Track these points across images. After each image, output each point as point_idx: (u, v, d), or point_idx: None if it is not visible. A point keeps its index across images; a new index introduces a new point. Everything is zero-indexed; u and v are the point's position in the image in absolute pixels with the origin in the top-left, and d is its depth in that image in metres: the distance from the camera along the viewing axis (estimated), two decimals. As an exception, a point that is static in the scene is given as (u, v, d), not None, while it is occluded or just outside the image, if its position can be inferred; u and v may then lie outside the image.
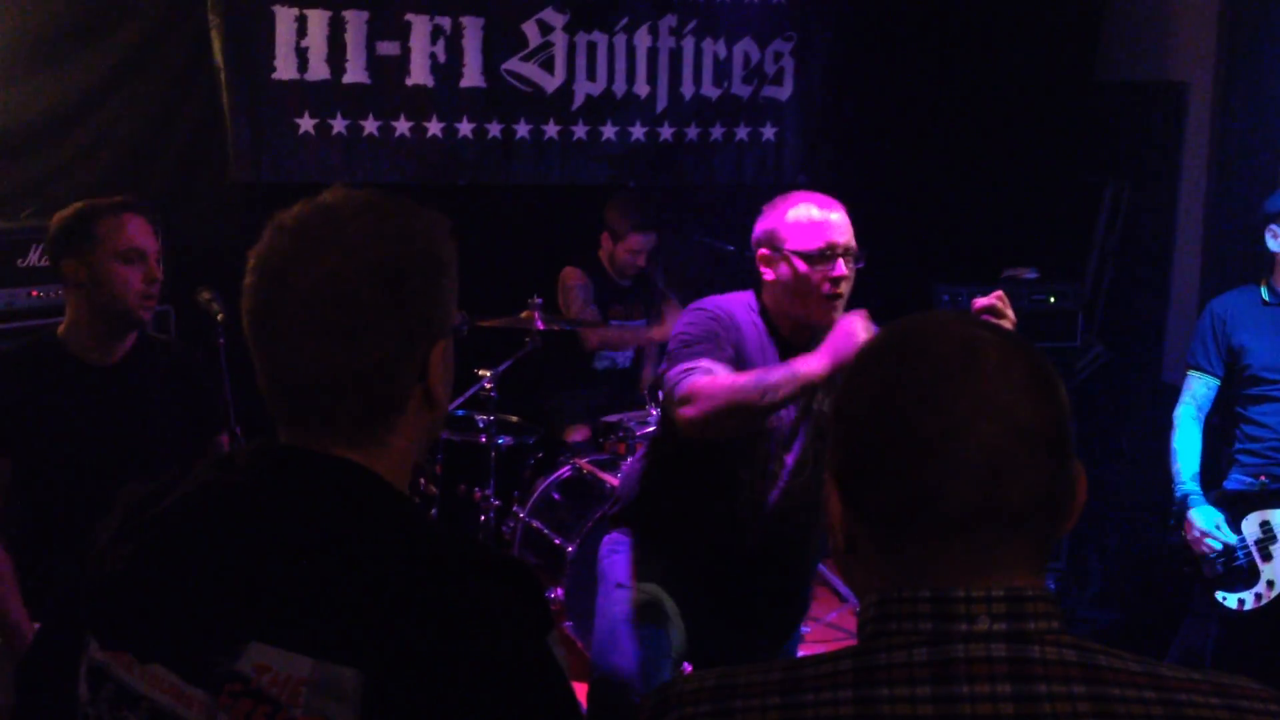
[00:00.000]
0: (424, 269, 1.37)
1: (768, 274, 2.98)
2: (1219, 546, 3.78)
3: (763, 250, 2.97)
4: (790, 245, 2.91)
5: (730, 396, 2.73)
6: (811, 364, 2.73)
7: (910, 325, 1.21)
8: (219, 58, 5.07)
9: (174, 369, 3.19)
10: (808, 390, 2.77)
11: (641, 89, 5.87)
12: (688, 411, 2.78)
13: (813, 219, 2.91)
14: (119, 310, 3.03)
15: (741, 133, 6.11)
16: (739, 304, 3.02)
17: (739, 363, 2.90)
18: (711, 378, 2.79)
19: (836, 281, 2.88)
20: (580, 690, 4.34)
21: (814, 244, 2.89)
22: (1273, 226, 3.86)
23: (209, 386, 3.26)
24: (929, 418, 1.12)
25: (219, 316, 2.97)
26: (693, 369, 2.82)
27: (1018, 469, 1.11)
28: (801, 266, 2.90)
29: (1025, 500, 1.12)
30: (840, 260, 2.89)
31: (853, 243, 2.92)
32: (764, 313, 3.02)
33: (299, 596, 1.24)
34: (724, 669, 1.22)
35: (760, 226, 3.01)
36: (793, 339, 2.98)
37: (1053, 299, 5.52)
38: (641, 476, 3.24)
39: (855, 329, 2.73)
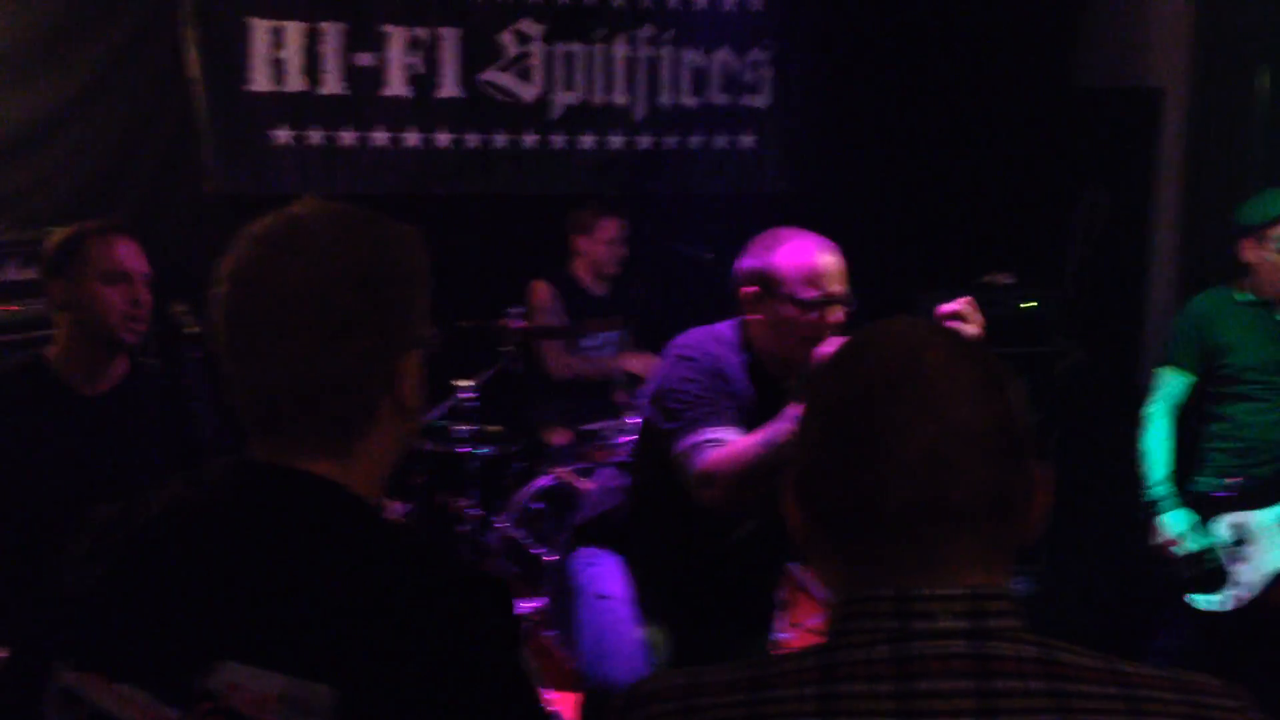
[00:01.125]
0: (396, 278, 1.37)
1: (755, 313, 2.88)
2: (1189, 551, 3.80)
3: (752, 289, 2.87)
4: (785, 290, 2.81)
5: (746, 467, 2.64)
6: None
7: (864, 332, 1.25)
8: (194, 70, 5.07)
9: (165, 400, 3.16)
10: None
11: (620, 98, 5.88)
12: (710, 494, 2.71)
13: (811, 266, 2.80)
14: (103, 332, 3.01)
15: (720, 142, 6.12)
16: (724, 345, 2.93)
17: (738, 411, 2.82)
18: (724, 451, 2.70)
19: (830, 328, 2.78)
20: (568, 700, 4.34)
21: (811, 293, 2.79)
22: (1244, 240, 3.88)
23: (200, 416, 3.23)
24: (871, 420, 1.14)
25: (192, 331, 2.95)
26: (701, 443, 2.73)
27: (959, 469, 1.12)
28: (796, 313, 2.81)
29: (968, 500, 1.13)
30: (834, 308, 2.81)
31: (846, 288, 2.84)
32: (747, 347, 2.93)
33: (270, 614, 1.24)
34: (692, 668, 1.22)
35: (750, 263, 2.89)
36: (775, 373, 2.91)
37: (1031, 304, 5.54)
38: (615, 492, 3.21)
39: None
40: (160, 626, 1.27)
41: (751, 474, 2.64)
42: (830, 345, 2.66)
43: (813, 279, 2.80)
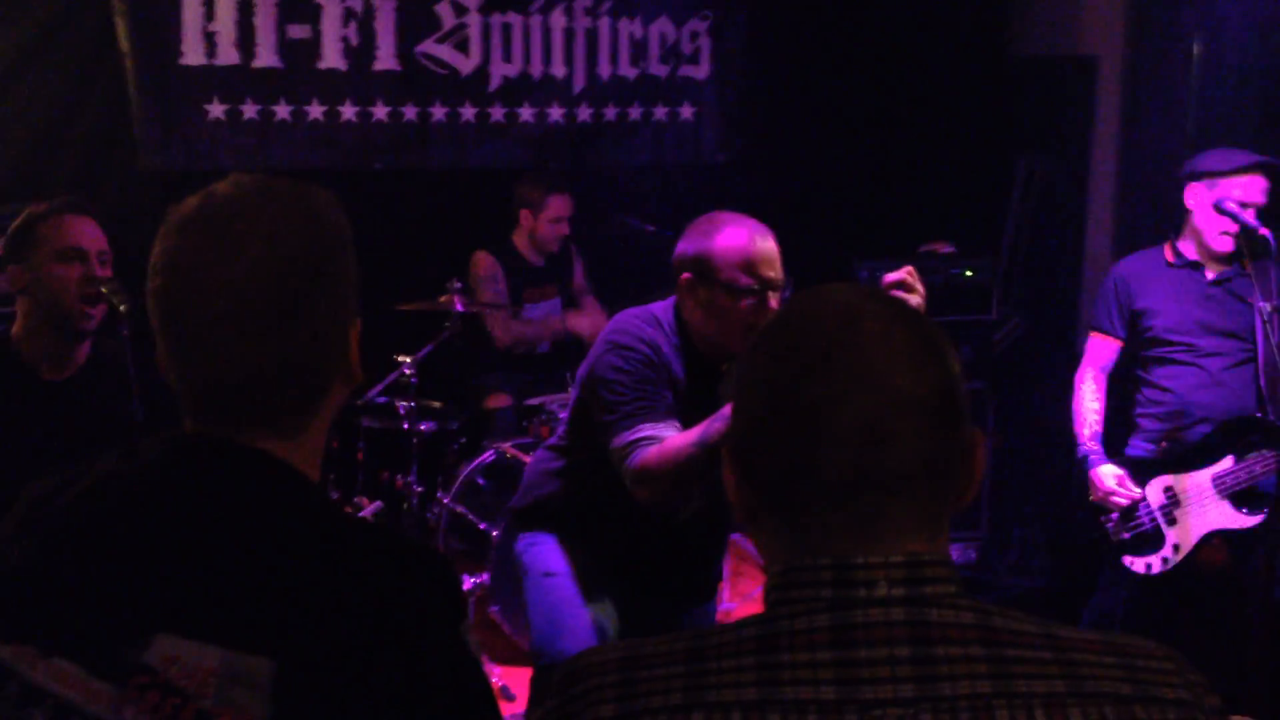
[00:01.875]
0: (337, 249, 1.36)
1: (691, 298, 2.90)
2: (1127, 502, 3.85)
3: (688, 274, 2.88)
4: (721, 277, 2.83)
5: (679, 467, 2.68)
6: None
7: (800, 300, 1.24)
8: (124, 44, 4.98)
9: (125, 383, 3.10)
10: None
11: (558, 70, 5.84)
12: (645, 494, 2.76)
13: (748, 252, 2.81)
14: (59, 313, 2.95)
15: (660, 113, 6.10)
16: (659, 328, 2.94)
17: (674, 397, 2.85)
18: (658, 450, 2.72)
19: (765, 315, 2.79)
20: (515, 675, 4.34)
21: (747, 280, 2.81)
22: (1193, 185, 3.88)
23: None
24: (807, 387, 1.14)
25: (122, 308, 2.89)
26: (636, 440, 2.75)
27: (895, 436, 1.12)
28: (731, 301, 2.83)
29: (905, 467, 1.12)
30: (770, 295, 2.82)
31: (781, 274, 2.85)
32: (682, 330, 2.95)
33: (207, 587, 1.22)
34: (632, 640, 1.22)
35: (686, 248, 2.90)
36: (709, 357, 2.94)
37: (969, 272, 5.58)
38: (551, 475, 3.20)
39: None
40: (94, 600, 1.26)
41: (685, 473, 2.69)
42: (724, 339, 2.74)
43: (748, 266, 2.81)
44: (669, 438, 2.74)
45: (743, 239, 2.83)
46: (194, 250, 1.30)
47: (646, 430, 2.77)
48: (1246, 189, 3.78)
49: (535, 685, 3.13)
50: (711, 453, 2.62)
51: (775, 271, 2.84)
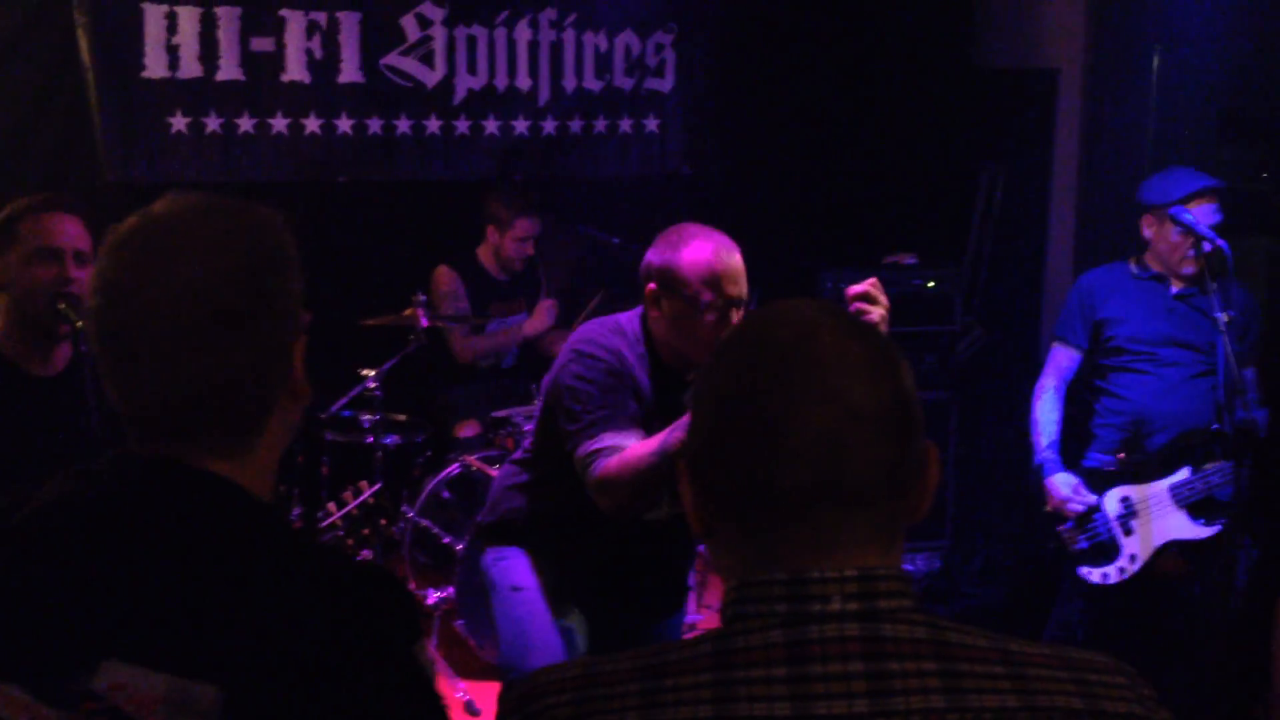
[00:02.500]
0: (276, 266, 1.35)
1: (656, 309, 2.92)
2: (1082, 508, 3.87)
3: (653, 285, 2.90)
4: (686, 291, 2.84)
5: (639, 476, 2.71)
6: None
7: (758, 315, 1.25)
8: (86, 57, 4.95)
9: (54, 396, 3.07)
10: None
11: (523, 82, 5.85)
12: (607, 502, 2.79)
13: (712, 267, 2.82)
14: (30, 314, 2.91)
15: (625, 125, 6.12)
16: (625, 338, 2.95)
17: (638, 406, 2.87)
18: (619, 460, 2.74)
19: (727, 329, 2.77)
20: (481, 690, 4.33)
21: (709, 295, 2.82)
22: (1147, 216, 3.96)
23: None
24: (765, 402, 1.14)
25: (78, 324, 2.86)
26: (599, 450, 2.78)
27: (853, 450, 1.13)
28: (694, 314, 2.84)
29: (863, 481, 1.13)
30: (732, 310, 2.84)
31: (745, 290, 2.87)
32: (648, 340, 2.96)
33: (155, 613, 1.22)
34: (589, 658, 1.23)
35: (654, 258, 2.91)
36: (674, 367, 2.96)
37: (932, 283, 5.62)
38: (518, 489, 3.20)
39: None
40: (42, 625, 1.25)
41: (646, 482, 2.71)
42: (686, 348, 2.76)
43: (712, 281, 2.82)
44: (630, 447, 2.76)
45: (708, 253, 2.84)
46: (128, 269, 1.29)
47: (609, 440, 2.78)
48: (1197, 214, 3.83)
49: (503, 701, 3.12)
50: (672, 461, 2.62)
51: (738, 288, 2.85)
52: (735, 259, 2.86)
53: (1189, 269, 3.89)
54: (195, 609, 1.21)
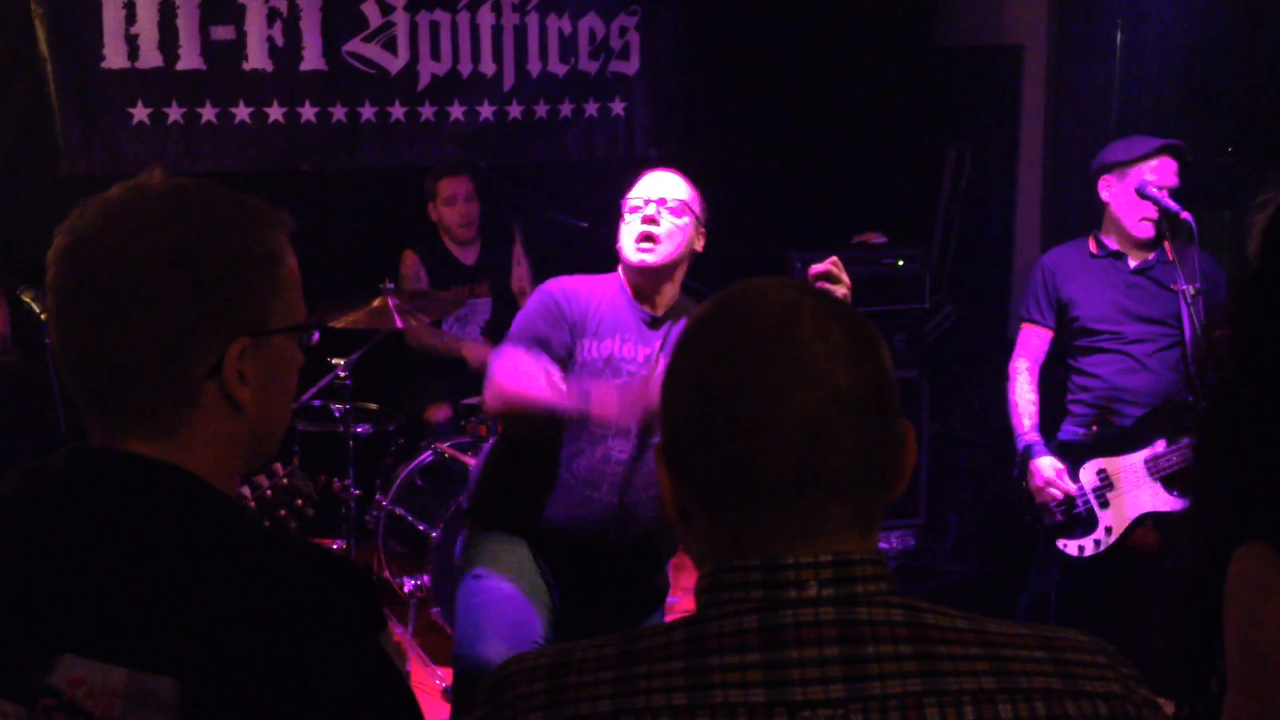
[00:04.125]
0: (223, 258, 1.30)
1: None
2: (1060, 495, 3.89)
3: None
4: (621, 203, 3.18)
5: (520, 400, 3.01)
6: (604, 406, 2.94)
7: (731, 294, 1.21)
8: (44, 48, 4.89)
9: (26, 394, 3.04)
10: (589, 419, 3.01)
11: (488, 68, 5.82)
12: (487, 394, 3.08)
13: (639, 180, 3.21)
14: None
15: (591, 109, 6.09)
16: (604, 281, 3.22)
17: (584, 328, 3.12)
18: (512, 368, 3.03)
19: (646, 220, 3.10)
20: (446, 674, 4.31)
21: (631, 195, 3.16)
22: (1105, 177, 3.96)
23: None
24: (746, 387, 1.12)
25: (43, 316, 2.84)
26: (500, 354, 3.08)
27: (836, 435, 1.11)
28: (622, 216, 3.16)
29: (845, 466, 1.12)
30: (650, 204, 3.11)
31: (669, 196, 3.14)
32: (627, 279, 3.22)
33: (110, 606, 1.20)
34: (562, 645, 1.21)
35: None
36: (636, 296, 3.18)
37: (901, 262, 5.63)
38: (491, 460, 3.27)
39: (626, 408, 2.95)
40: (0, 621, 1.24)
41: (523, 409, 3.01)
42: (626, 254, 3.10)
43: (635, 190, 3.18)
44: (525, 363, 3.03)
45: (645, 174, 3.23)
46: (76, 234, 1.29)
47: (514, 352, 3.07)
48: (1158, 172, 3.85)
49: (456, 687, 3.14)
50: (552, 415, 2.98)
51: (657, 191, 3.15)
52: (670, 175, 3.21)
53: (1147, 231, 3.89)
54: (149, 600, 1.19)
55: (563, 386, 3.01)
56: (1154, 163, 3.86)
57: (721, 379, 1.13)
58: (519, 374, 3.01)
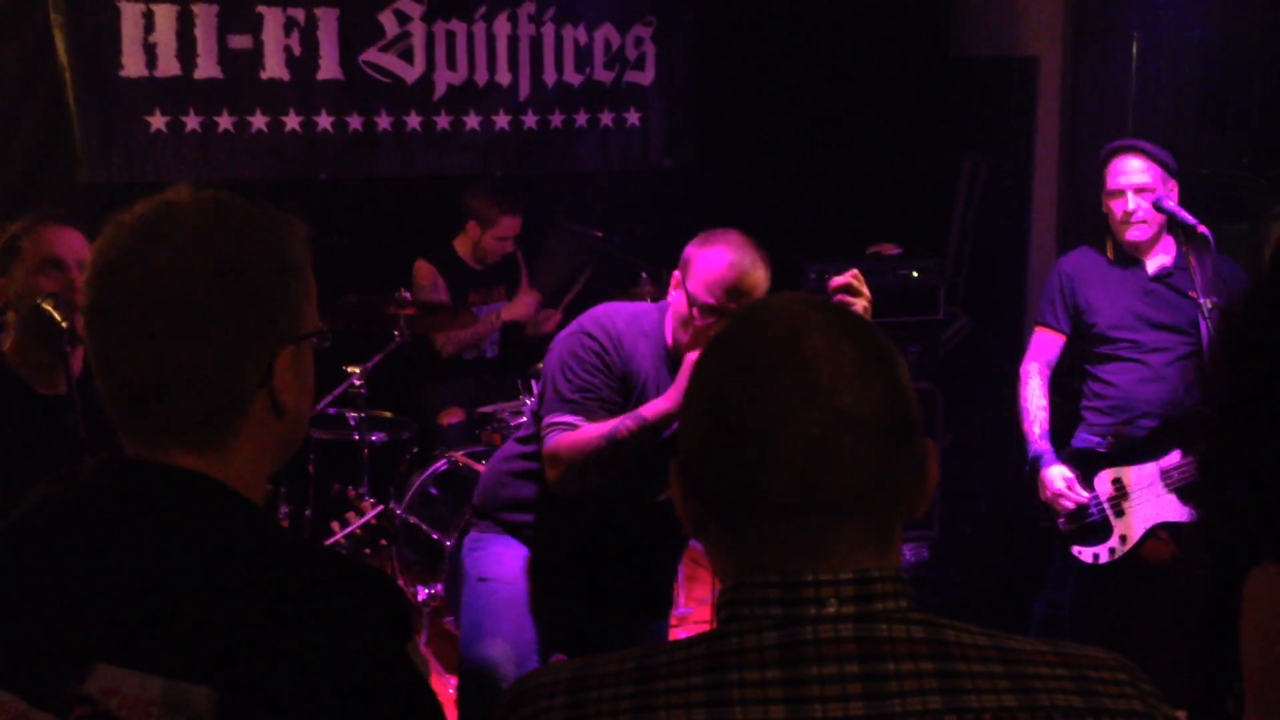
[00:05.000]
0: (267, 268, 1.33)
1: (672, 294, 2.99)
2: (1071, 506, 3.87)
3: (676, 273, 2.96)
4: (692, 285, 2.88)
5: (584, 458, 2.85)
6: (658, 405, 2.82)
7: (748, 311, 1.22)
8: (63, 56, 4.92)
9: (39, 400, 3.06)
10: (658, 429, 2.83)
11: (503, 77, 5.83)
12: (551, 474, 2.91)
13: (721, 272, 2.85)
14: (40, 323, 2.90)
15: (606, 119, 6.10)
16: (638, 325, 3.01)
17: (627, 387, 2.94)
18: (571, 436, 2.86)
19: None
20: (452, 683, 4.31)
21: (712, 296, 2.85)
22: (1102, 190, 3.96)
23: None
24: (751, 406, 1.12)
25: (63, 324, 2.86)
26: (558, 424, 2.89)
27: (842, 456, 1.11)
28: (693, 309, 2.88)
29: (853, 486, 1.11)
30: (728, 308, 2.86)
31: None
32: (662, 329, 3.04)
33: (146, 615, 1.21)
34: (582, 659, 1.21)
35: (687, 250, 2.96)
36: (678, 355, 2.99)
37: (915, 273, 5.61)
38: (503, 466, 3.25)
39: None
40: (32, 630, 1.24)
41: (592, 463, 2.83)
42: (677, 338, 2.87)
43: (715, 285, 2.84)
44: (585, 426, 2.87)
45: (726, 258, 2.85)
46: (118, 247, 1.30)
47: (571, 418, 2.89)
48: (1115, 173, 3.86)
49: (460, 686, 3.14)
50: (618, 446, 2.80)
51: (740, 300, 2.83)
52: (752, 275, 2.86)
53: (1136, 235, 3.87)
54: (187, 611, 1.20)
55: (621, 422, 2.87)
56: (1111, 163, 3.88)
57: (729, 398, 1.14)
58: (578, 439, 2.87)
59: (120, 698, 1.18)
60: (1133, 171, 3.84)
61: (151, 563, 1.23)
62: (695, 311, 2.86)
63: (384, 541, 2.93)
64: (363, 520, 2.95)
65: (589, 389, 2.91)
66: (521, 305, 5.46)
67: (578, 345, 2.96)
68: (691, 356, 2.80)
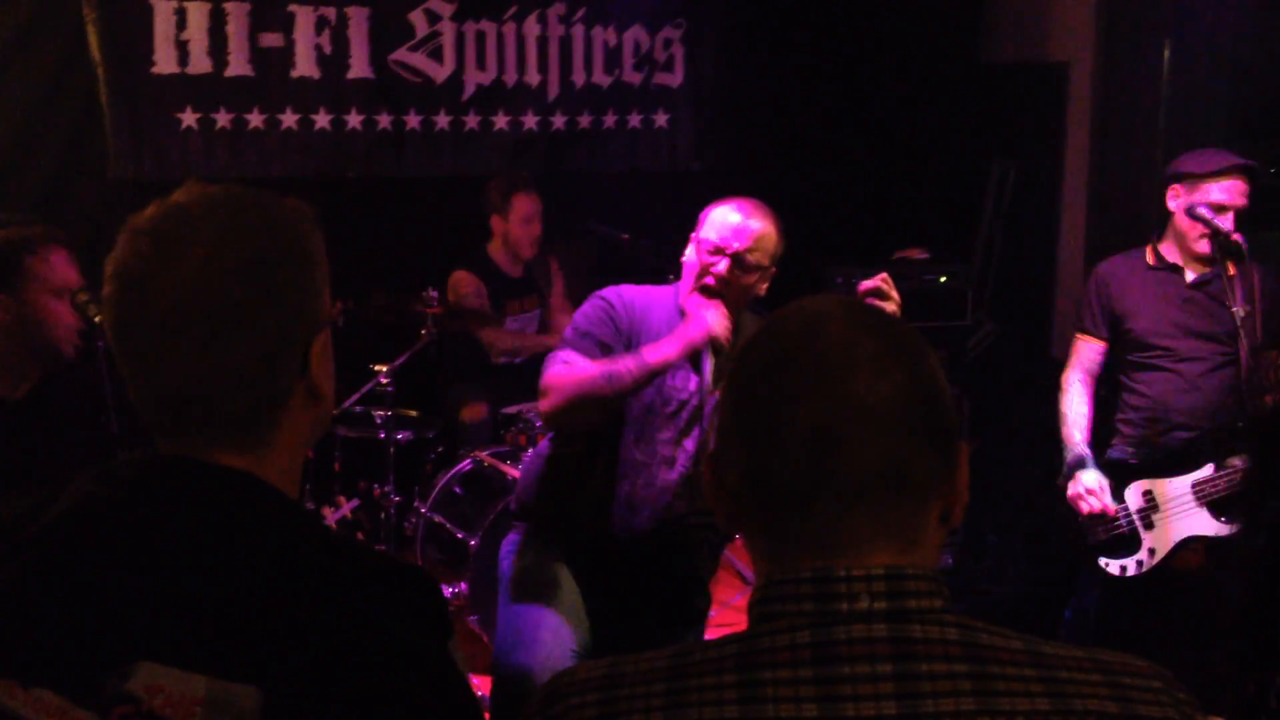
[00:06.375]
0: (292, 260, 1.33)
1: (686, 255, 3.09)
2: (1096, 506, 3.83)
3: (694, 233, 3.07)
4: (701, 230, 3.02)
5: (578, 389, 2.90)
6: (660, 351, 2.88)
7: (783, 310, 1.23)
8: (96, 53, 4.95)
9: (83, 396, 3.07)
10: (656, 374, 2.91)
11: (533, 78, 5.85)
12: (542, 404, 2.98)
13: (730, 212, 3.01)
14: (48, 346, 2.94)
15: (634, 120, 6.11)
16: (658, 295, 3.12)
17: (638, 342, 3.00)
18: (566, 369, 2.93)
19: (715, 278, 2.97)
20: (484, 683, 4.32)
21: (715, 233, 2.98)
22: (1175, 186, 3.86)
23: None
24: (766, 392, 1.14)
25: (97, 319, 2.87)
26: (558, 359, 2.99)
27: (846, 443, 1.11)
28: (695, 252, 3.01)
29: (858, 475, 1.11)
30: (722, 259, 2.96)
31: (749, 254, 2.98)
32: (677, 295, 3.11)
33: (191, 613, 1.20)
34: (614, 658, 1.21)
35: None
36: None
37: (943, 279, 5.60)
38: (540, 468, 3.25)
39: (705, 317, 2.88)
40: (75, 628, 1.23)
41: (583, 400, 2.91)
42: (706, 308, 2.92)
43: (720, 223, 2.99)
44: (585, 363, 2.95)
45: (732, 204, 3.03)
46: (141, 256, 1.29)
47: (571, 356, 2.98)
48: (1227, 191, 3.77)
49: (494, 693, 3.14)
50: (613, 386, 2.87)
51: (739, 243, 2.97)
52: (752, 223, 2.99)
53: (1205, 248, 3.82)
54: (231, 608, 1.20)
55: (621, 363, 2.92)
56: (1225, 181, 3.77)
57: (747, 386, 1.17)
58: (574, 372, 2.95)
59: (164, 696, 1.18)
60: (1240, 194, 3.79)
61: (196, 561, 1.23)
62: (702, 251, 2.97)
63: (359, 535, 2.91)
64: (339, 514, 2.95)
65: (591, 335, 3.02)
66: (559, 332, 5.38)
67: (588, 306, 3.10)
68: (694, 299, 2.93)
